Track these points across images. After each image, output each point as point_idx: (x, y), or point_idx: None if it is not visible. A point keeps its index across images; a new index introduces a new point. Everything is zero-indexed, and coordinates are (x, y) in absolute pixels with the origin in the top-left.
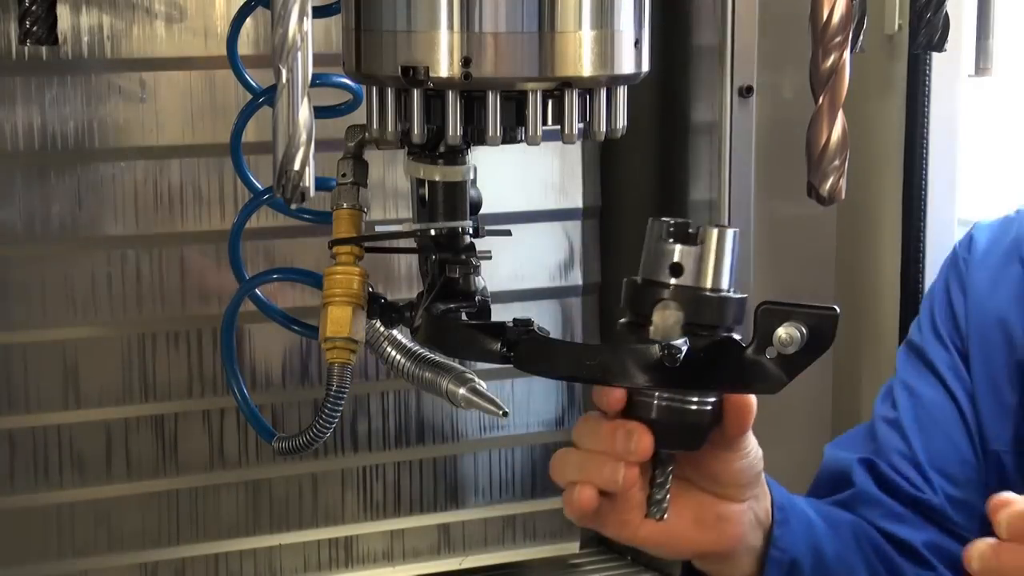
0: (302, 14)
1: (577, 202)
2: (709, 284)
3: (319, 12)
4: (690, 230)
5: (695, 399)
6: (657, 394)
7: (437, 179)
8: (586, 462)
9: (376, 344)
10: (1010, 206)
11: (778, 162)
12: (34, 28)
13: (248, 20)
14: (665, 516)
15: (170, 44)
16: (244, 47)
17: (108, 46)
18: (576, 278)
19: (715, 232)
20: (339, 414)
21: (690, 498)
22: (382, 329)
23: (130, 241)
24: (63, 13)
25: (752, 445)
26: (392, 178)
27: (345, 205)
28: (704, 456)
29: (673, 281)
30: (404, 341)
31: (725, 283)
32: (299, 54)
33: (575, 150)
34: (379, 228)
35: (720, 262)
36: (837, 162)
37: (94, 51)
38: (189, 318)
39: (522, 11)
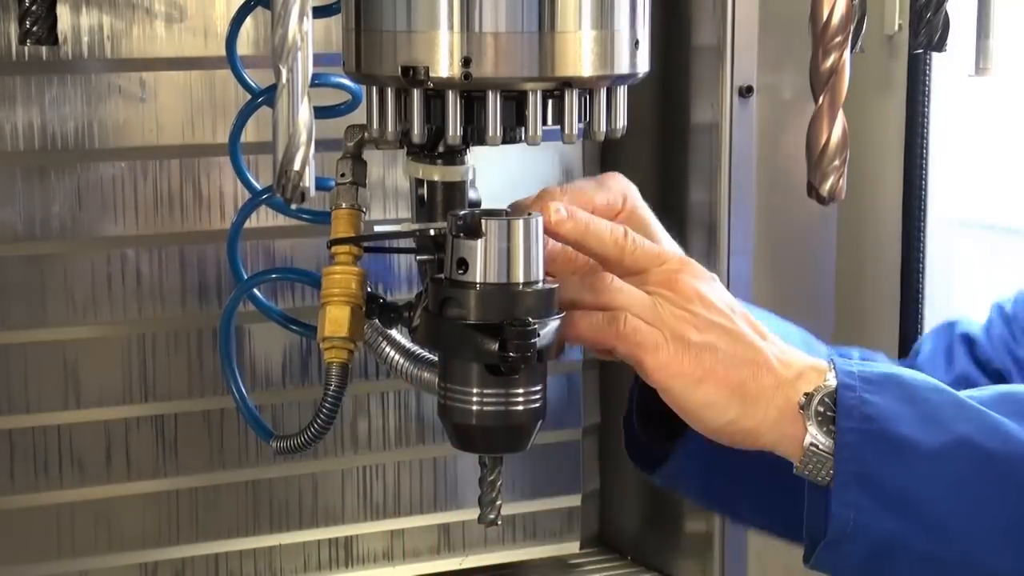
0: (302, 14)
1: None
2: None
3: (319, 12)
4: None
5: (514, 400)
6: (471, 399)
7: (436, 179)
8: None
9: (375, 344)
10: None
11: (778, 162)
12: (34, 28)
13: (248, 20)
14: (499, 521)
15: (170, 44)
16: (244, 47)
17: (108, 46)
18: None
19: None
20: (337, 414)
21: None
22: (381, 329)
23: (130, 241)
24: (63, 13)
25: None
26: (392, 178)
27: (344, 205)
28: None
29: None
30: (403, 341)
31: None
32: (299, 54)
33: (575, 150)
34: (378, 228)
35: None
36: (837, 162)
37: (94, 51)
38: (189, 318)
39: (522, 11)
